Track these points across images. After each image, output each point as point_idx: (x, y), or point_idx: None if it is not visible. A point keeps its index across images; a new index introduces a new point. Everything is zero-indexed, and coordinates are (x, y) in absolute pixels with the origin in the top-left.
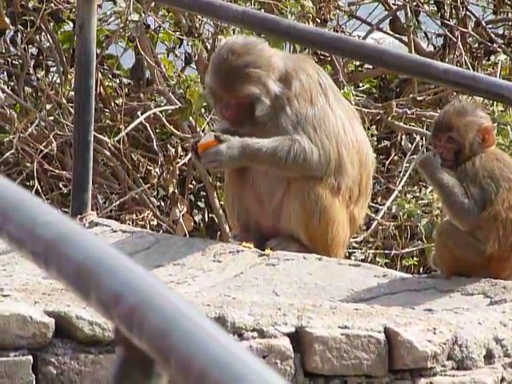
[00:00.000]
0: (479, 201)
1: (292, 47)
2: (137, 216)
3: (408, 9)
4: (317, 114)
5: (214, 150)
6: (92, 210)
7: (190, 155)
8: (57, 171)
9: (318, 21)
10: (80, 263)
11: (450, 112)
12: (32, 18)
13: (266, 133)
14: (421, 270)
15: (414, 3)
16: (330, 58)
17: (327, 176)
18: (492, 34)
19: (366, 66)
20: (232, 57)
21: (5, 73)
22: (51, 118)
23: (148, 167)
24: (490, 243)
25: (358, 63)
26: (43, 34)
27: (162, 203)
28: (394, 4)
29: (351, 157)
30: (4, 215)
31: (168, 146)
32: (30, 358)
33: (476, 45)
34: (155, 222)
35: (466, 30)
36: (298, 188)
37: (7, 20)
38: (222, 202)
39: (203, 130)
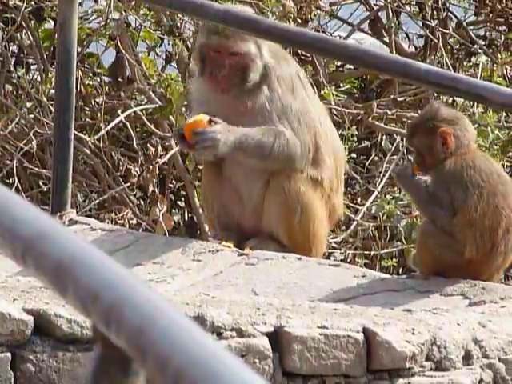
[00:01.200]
0: (448, 205)
1: None
2: (116, 215)
3: (389, 9)
4: (299, 106)
5: (211, 129)
6: (72, 208)
7: (170, 154)
8: (37, 169)
9: (299, 21)
10: (58, 260)
11: (416, 118)
12: (13, 15)
13: (246, 113)
14: (400, 270)
15: (396, 4)
16: (310, 58)
17: (306, 168)
18: (473, 36)
19: (347, 66)
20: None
21: None
22: (31, 115)
23: (128, 166)
24: (467, 249)
25: (338, 63)
26: (24, 31)
27: (142, 202)
28: (375, 4)
29: (328, 148)
30: None
31: (148, 145)
32: (9, 355)
33: (457, 46)
34: (135, 221)
35: (447, 31)
36: (279, 185)
37: None
38: (201, 201)
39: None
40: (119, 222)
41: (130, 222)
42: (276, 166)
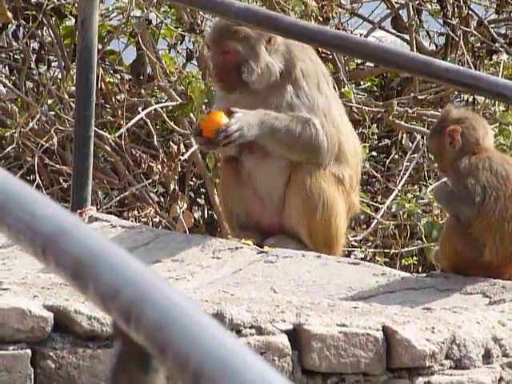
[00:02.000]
0: (469, 200)
1: None
2: (139, 213)
3: (410, 7)
4: (325, 102)
5: (234, 120)
6: (92, 205)
7: (190, 151)
8: (57, 166)
9: (320, 19)
10: (78, 257)
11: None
12: (34, 12)
13: (271, 107)
14: (420, 269)
15: (417, 2)
16: (331, 56)
17: (329, 165)
18: (494, 34)
19: (368, 64)
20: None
21: (6, 67)
22: (52, 112)
23: (150, 163)
24: (487, 251)
25: (359, 61)
26: (45, 28)
27: (162, 199)
28: (396, 2)
29: (349, 146)
30: (3, 208)
31: (170, 142)
32: (29, 351)
33: (478, 44)
34: (157, 219)
35: (468, 29)
36: (300, 182)
37: (9, 14)
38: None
39: None
40: (143, 219)
41: (153, 219)
42: (302, 157)
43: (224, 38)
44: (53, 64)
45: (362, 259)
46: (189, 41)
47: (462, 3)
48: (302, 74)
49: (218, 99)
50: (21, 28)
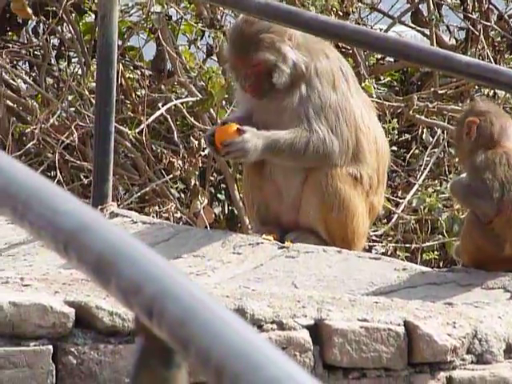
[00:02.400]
0: (486, 195)
1: None
2: (160, 208)
3: (430, 1)
4: (339, 100)
5: (239, 139)
6: (112, 201)
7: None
8: (78, 162)
9: (340, 14)
10: (100, 252)
11: None
12: (54, 8)
13: (285, 112)
14: (441, 264)
15: None
16: (351, 51)
17: (345, 164)
18: None
19: (388, 59)
20: (245, 25)
21: (27, 63)
22: (73, 108)
23: (171, 159)
24: (507, 246)
25: (379, 56)
26: (65, 24)
27: (182, 195)
28: None
29: (369, 145)
30: (25, 204)
31: (191, 137)
32: (50, 347)
33: (498, 38)
34: (178, 215)
35: (488, 24)
36: (316, 182)
37: (29, 10)
38: (241, 195)
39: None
40: (164, 215)
41: (175, 215)
42: (313, 165)
43: (250, 51)
44: (73, 60)
45: (382, 254)
46: (209, 36)
47: None
48: (317, 73)
49: (238, 98)
50: (41, 24)
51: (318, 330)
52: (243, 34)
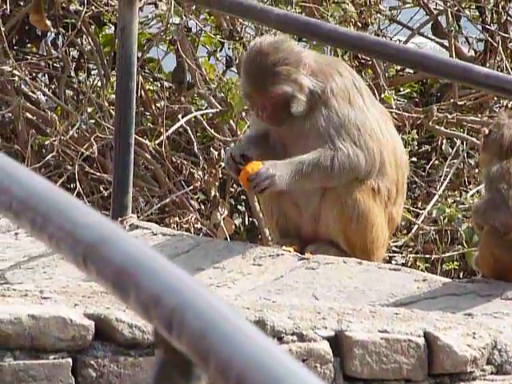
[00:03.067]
0: (502, 204)
1: (333, 51)
2: (180, 219)
3: (449, 13)
4: (358, 115)
5: (263, 169)
6: (132, 212)
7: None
8: (98, 174)
9: (359, 25)
10: (119, 265)
11: None
12: (73, 20)
13: (306, 135)
14: (461, 274)
15: (456, 8)
16: (370, 62)
17: (371, 177)
18: None
19: (407, 70)
20: (260, 57)
21: (46, 75)
22: (92, 120)
23: (191, 170)
24: None
25: (398, 68)
26: (84, 36)
27: (203, 206)
28: (435, 9)
29: (389, 157)
30: (45, 216)
31: (211, 149)
32: (70, 360)
33: None
34: (198, 226)
35: (507, 35)
36: (335, 194)
37: (48, 22)
38: (261, 206)
39: (244, 133)
40: (184, 226)
41: (195, 226)
42: (344, 181)
43: (267, 85)
44: (92, 72)
45: (402, 265)
46: (228, 48)
47: (500, 9)
48: (333, 93)
49: (253, 119)
50: (60, 36)
51: (338, 342)
52: (259, 67)
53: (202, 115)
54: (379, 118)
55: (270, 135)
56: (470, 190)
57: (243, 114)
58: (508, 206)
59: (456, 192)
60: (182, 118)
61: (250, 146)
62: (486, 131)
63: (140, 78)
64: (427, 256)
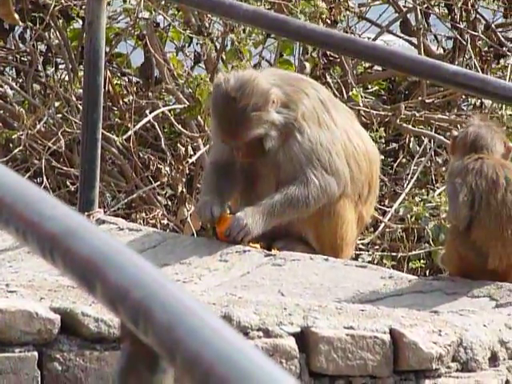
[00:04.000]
0: (454, 198)
1: (302, 47)
2: (147, 215)
3: (418, 11)
4: (327, 136)
5: (234, 221)
6: (99, 207)
7: (198, 154)
8: (65, 168)
9: (328, 22)
10: (86, 257)
11: None
12: (41, 14)
13: (279, 166)
14: (427, 272)
15: (425, 5)
16: (339, 60)
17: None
18: (502, 38)
19: (375, 67)
20: (228, 104)
21: (13, 69)
22: (59, 115)
23: (158, 165)
24: (490, 259)
25: (367, 65)
26: (52, 30)
27: (169, 202)
28: (404, 6)
29: (360, 163)
30: (11, 208)
31: (178, 145)
32: (36, 354)
33: (486, 48)
34: (165, 222)
35: (475, 33)
36: None
37: (16, 16)
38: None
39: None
40: (151, 221)
41: (161, 221)
42: (317, 207)
43: (239, 132)
44: (60, 66)
45: (369, 262)
46: (196, 43)
47: (469, 7)
48: (304, 118)
49: (217, 142)
50: (28, 30)
51: (304, 338)
52: (229, 115)
53: (169, 111)
54: (346, 125)
55: (239, 164)
56: (438, 188)
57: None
58: (458, 200)
59: (423, 190)
60: (150, 113)
61: (223, 194)
62: (455, 133)
63: (108, 72)
64: (394, 254)
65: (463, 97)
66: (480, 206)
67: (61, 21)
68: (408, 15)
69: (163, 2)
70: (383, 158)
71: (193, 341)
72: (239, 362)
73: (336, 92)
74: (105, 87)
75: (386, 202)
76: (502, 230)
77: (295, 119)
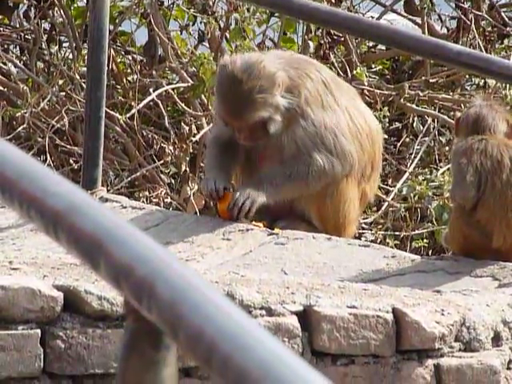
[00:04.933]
0: (461, 178)
1: (306, 26)
2: (150, 193)
3: None
4: (332, 118)
5: (237, 194)
6: (102, 186)
7: (202, 133)
8: (68, 146)
9: (332, 0)
10: (90, 234)
11: None
12: None
13: (282, 149)
14: (430, 252)
15: None
16: (343, 39)
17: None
18: (506, 18)
19: (379, 47)
20: (234, 86)
21: (17, 47)
22: (63, 93)
23: (162, 144)
24: (494, 238)
25: (370, 44)
26: (56, 9)
27: (173, 181)
28: None
29: (363, 143)
30: (15, 185)
31: (182, 123)
32: (38, 331)
33: (489, 28)
34: (168, 200)
35: (479, 13)
36: None
37: None
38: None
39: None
40: (154, 200)
41: (165, 200)
42: (320, 187)
43: (243, 114)
44: (64, 44)
45: (372, 241)
46: (200, 22)
47: None
48: (308, 103)
49: (220, 129)
50: (32, 8)
51: (306, 317)
52: (234, 97)
53: (173, 89)
54: (349, 105)
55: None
56: (441, 167)
57: (215, 88)
58: (466, 180)
59: (426, 170)
60: (154, 91)
61: (226, 171)
62: (458, 115)
63: (111, 51)
64: (397, 233)
65: (467, 76)
66: (485, 186)
67: None
68: None
69: None
70: (387, 137)
71: (196, 317)
72: (242, 338)
73: (340, 71)
74: (108, 65)
75: (390, 181)
76: (507, 211)
77: (298, 105)
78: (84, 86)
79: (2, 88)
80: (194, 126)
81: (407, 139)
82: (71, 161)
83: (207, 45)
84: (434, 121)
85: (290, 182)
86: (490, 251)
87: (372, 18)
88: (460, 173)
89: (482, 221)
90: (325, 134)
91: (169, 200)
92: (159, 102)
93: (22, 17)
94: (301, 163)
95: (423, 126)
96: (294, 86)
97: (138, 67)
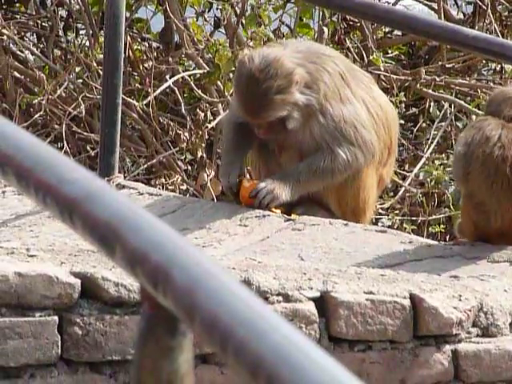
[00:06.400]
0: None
1: (322, 12)
2: (166, 180)
3: None
4: (351, 111)
5: (262, 185)
6: (119, 172)
7: (218, 119)
8: (85, 133)
9: None
10: (106, 221)
11: None
12: None
13: (301, 143)
14: (447, 237)
15: None
16: (359, 24)
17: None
18: None
19: (395, 32)
20: (252, 85)
21: (34, 35)
22: (80, 80)
23: (178, 131)
24: (492, 218)
25: (387, 29)
26: None
27: (189, 167)
28: None
29: (379, 132)
30: (31, 172)
31: (197, 110)
32: (56, 318)
33: (506, 13)
34: (184, 187)
35: None
36: None
37: None
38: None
39: (231, 95)
40: (170, 187)
41: (180, 187)
42: (344, 178)
43: (261, 113)
44: (81, 32)
45: (389, 227)
46: (216, 8)
47: None
48: (326, 98)
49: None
50: None
51: (323, 303)
52: (252, 95)
53: (189, 76)
54: (364, 95)
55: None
56: None
57: (230, 75)
58: (456, 151)
59: (443, 155)
60: (170, 78)
61: (241, 155)
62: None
63: (128, 38)
64: (414, 218)
65: (483, 61)
66: (471, 158)
67: None
68: None
69: None
70: (403, 122)
71: (212, 303)
72: (258, 324)
73: (356, 57)
74: (125, 52)
75: (406, 166)
76: (491, 184)
77: (318, 100)
78: (101, 72)
79: (19, 75)
80: (209, 113)
81: (424, 124)
82: (88, 148)
83: (223, 31)
84: (450, 106)
85: (315, 178)
86: (498, 236)
87: (388, 3)
88: (455, 150)
89: (476, 197)
90: (345, 128)
91: (185, 187)
92: (175, 89)
93: (38, 4)
94: (325, 159)
95: (440, 112)
96: (313, 81)
97: (155, 54)
